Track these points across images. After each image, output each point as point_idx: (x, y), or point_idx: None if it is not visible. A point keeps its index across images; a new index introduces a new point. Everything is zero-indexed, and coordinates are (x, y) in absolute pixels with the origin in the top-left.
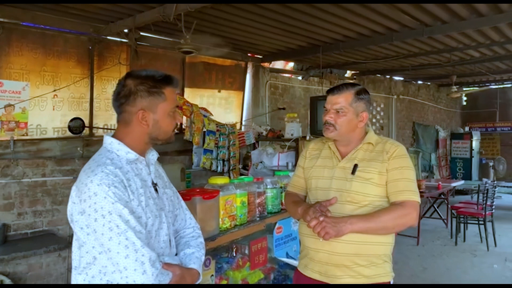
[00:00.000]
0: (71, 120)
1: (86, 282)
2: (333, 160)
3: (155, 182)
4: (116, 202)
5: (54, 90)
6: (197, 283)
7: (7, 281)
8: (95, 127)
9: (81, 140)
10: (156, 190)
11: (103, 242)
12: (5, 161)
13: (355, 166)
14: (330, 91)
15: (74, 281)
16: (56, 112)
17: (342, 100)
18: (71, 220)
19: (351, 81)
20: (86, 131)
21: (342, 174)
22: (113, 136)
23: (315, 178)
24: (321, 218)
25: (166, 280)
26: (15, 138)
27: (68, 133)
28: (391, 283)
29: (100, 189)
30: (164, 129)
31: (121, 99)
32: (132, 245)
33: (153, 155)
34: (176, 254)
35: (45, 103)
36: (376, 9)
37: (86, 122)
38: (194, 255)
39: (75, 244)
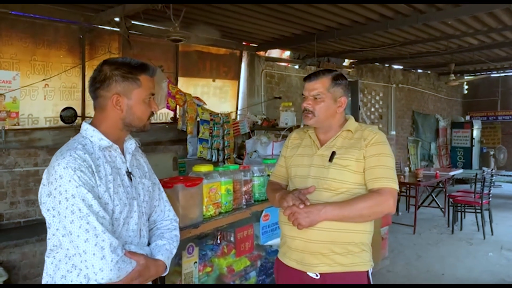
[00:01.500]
0: (63, 110)
1: (54, 266)
2: (313, 148)
3: (130, 170)
4: (80, 186)
5: (45, 79)
6: (163, 275)
7: (0, 269)
8: (87, 117)
9: (74, 129)
10: (130, 178)
11: (66, 224)
12: None
13: (333, 153)
14: (307, 78)
15: (45, 263)
16: (47, 102)
17: (319, 86)
18: (40, 202)
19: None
20: (78, 120)
21: (320, 161)
22: (90, 123)
23: (295, 166)
24: (301, 206)
25: (128, 269)
26: (7, 127)
27: (60, 123)
28: (370, 272)
29: (65, 172)
30: (138, 115)
31: (96, 83)
32: (93, 229)
33: (131, 144)
34: (149, 245)
35: (36, 93)
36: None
37: (78, 112)
38: (164, 247)
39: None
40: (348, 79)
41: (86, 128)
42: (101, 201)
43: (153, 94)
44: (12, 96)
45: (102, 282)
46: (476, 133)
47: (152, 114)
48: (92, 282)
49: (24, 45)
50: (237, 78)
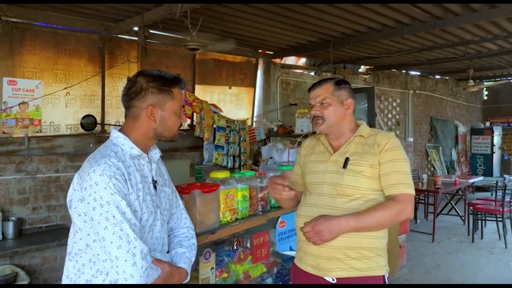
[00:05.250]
0: (84, 117)
1: (76, 270)
2: (326, 154)
3: (155, 179)
4: (115, 193)
5: (66, 88)
6: (184, 282)
7: (22, 273)
8: (107, 124)
9: (93, 136)
10: (155, 187)
11: (99, 230)
12: (20, 157)
13: (346, 159)
14: (311, 88)
15: (66, 266)
16: (68, 110)
17: (323, 92)
18: (70, 206)
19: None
20: (98, 127)
21: (334, 167)
22: (120, 130)
23: (309, 173)
24: (286, 191)
25: (154, 275)
26: (30, 135)
27: (81, 130)
28: (386, 276)
29: (101, 179)
30: (170, 126)
31: (131, 94)
32: (126, 236)
33: (156, 153)
34: (168, 252)
35: (58, 101)
36: (386, 3)
37: (98, 119)
38: (185, 255)
39: (71, 230)
40: (365, 86)
41: (117, 136)
42: (131, 208)
43: (183, 106)
44: (35, 104)
45: None
46: (496, 139)
47: (181, 125)
48: None
49: (47, 54)
50: (253, 85)
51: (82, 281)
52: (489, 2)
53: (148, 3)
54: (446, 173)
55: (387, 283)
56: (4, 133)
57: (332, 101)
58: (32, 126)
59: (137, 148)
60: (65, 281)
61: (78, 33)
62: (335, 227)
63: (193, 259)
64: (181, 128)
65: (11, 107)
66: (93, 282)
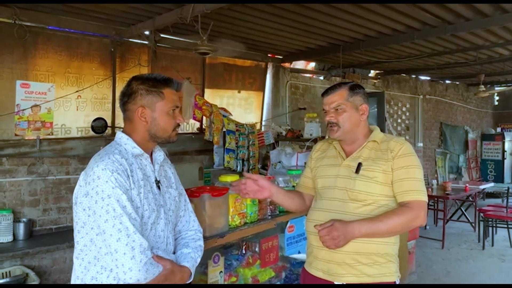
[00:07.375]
0: (94, 120)
1: (83, 268)
2: (338, 159)
3: (158, 179)
4: (116, 187)
5: (77, 91)
6: (187, 282)
7: (32, 274)
8: (117, 127)
9: (104, 139)
10: (158, 187)
11: (100, 223)
12: (32, 159)
13: (359, 164)
14: (325, 93)
15: (73, 266)
16: (79, 112)
17: (337, 98)
18: (75, 203)
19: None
20: (108, 130)
21: (346, 172)
22: (122, 132)
23: (321, 177)
24: (243, 181)
25: (155, 272)
26: (41, 137)
27: (91, 133)
28: (397, 283)
29: (103, 173)
30: (162, 126)
31: (124, 97)
32: (125, 229)
33: (160, 156)
34: (174, 253)
35: (69, 104)
36: (397, 8)
37: (109, 122)
38: (190, 255)
39: (75, 228)
40: (374, 90)
41: (121, 136)
42: (133, 204)
43: (177, 107)
44: (47, 107)
45: (130, 282)
46: (508, 145)
47: (177, 125)
48: (121, 283)
49: (59, 58)
50: (262, 89)
51: (87, 279)
52: (498, 2)
53: (164, 3)
54: (448, 180)
55: None
56: (16, 135)
57: (347, 107)
58: (44, 129)
59: (138, 148)
60: (74, 280)
61: (90, 37)
62: (349, 233)
63: (199, 260)
64: (192, 132)
65: (23, 110)
66: (98, 279)
